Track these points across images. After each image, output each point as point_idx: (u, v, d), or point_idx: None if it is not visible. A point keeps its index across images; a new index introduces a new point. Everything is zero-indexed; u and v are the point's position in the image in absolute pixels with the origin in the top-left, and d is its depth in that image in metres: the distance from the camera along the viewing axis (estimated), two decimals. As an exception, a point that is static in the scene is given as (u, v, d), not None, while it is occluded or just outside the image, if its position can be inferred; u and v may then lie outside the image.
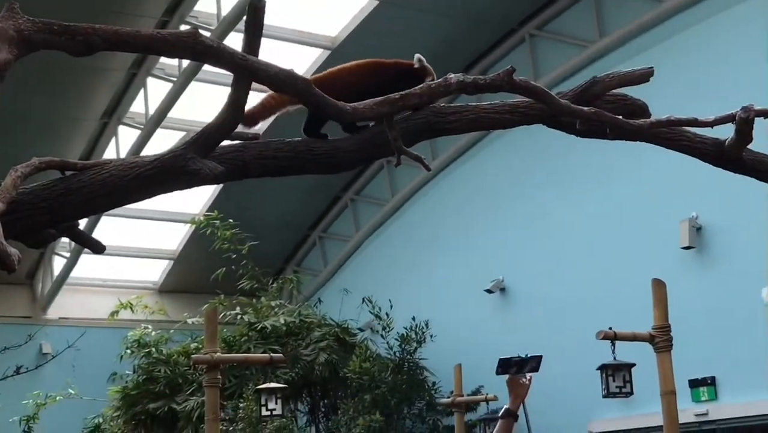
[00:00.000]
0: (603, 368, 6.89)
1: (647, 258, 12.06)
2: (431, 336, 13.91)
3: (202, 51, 2.99)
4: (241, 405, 12.30)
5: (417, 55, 4.90)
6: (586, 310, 12.22)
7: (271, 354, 8.34)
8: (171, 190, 4.02)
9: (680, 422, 11.28)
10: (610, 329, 6.73)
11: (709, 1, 12.46)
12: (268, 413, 7.80)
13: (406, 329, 13.96)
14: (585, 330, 8.22)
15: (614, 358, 6.80)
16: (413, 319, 13.99)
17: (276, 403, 7.71)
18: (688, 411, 11.48)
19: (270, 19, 13.68)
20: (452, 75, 3.85)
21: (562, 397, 12.34)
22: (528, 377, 5.13)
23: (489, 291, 14.61)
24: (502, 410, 5.07)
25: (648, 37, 13.09)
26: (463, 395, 10.24)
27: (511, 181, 14.63)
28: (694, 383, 11.64)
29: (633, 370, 6.96)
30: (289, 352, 13.32)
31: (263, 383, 8.73)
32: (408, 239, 16.63)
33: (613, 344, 6.72)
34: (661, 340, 6.44)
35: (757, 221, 10.67)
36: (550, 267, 13.79)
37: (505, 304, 14.62)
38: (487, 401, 10.45)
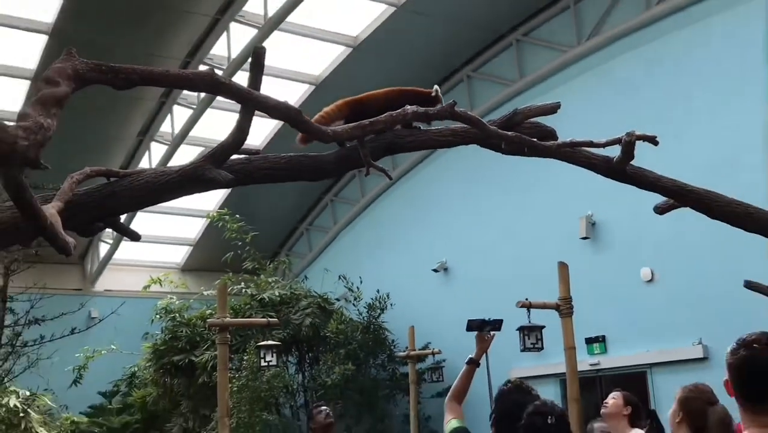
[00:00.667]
0: (521, 329, 6.95)
1: (555, 245, 12.11)
2: (391, 305, 13.95)
3: (216, 87, 2.98)
4: (245, 358, 12.25)
5: (435, 87, 4.82)
6: (509, 285, 12.24)
7: (269, 319, 8.32)
8: (192, 193, 3.99)
9: (579, 370, 11.48)
10: (527, 299, 6.78)
11: (601, 52, 12.56)
12: (266, 364, 7.81)
13: (372, 299, 13.99)
14: (508, 300, 8.29)
15: (529, 321, 6.86)
16: (378, 291, 14.02)
17: (272, 356, 7.71)
18: (584, 362, 11.51)
19: (267, 59, 13.67)
20: (409, 107, 3.85)
21: (490, 350, 12.37)
22: (491, 334, 5.17)
23: (435, 270, 14.65)
24: (468, 358, 4.95)
25: (558, 77, 13.16)
26: (415, 350, 10.29)
27: (455, 186, 14.67)
28: (589, 341, 11.71)
29: (543, 331, 7.01)
30: (281, 317, 13.31)
31: (262, 341, 8.73)
32: (374, 230, 16.64)
33: (529, 311, 6.77)
34: (564, 308, 6.50)
35: (637, 218, 10.73)
36: (483, 252, 13.84)
37: (448, 280, 14.66)
38: (433, 354, 10.53)
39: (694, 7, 11.27)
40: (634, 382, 11.36)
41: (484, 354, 5.10)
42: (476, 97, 14.58)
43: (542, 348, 6.97)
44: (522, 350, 7.17)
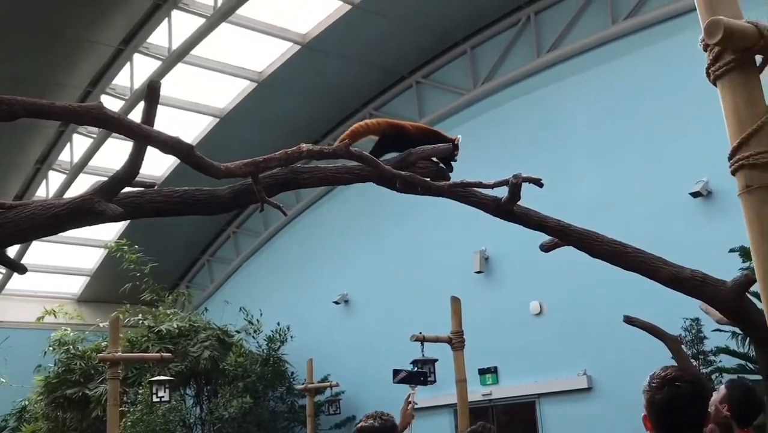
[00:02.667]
0: (415, 362, 6.95)
1: (451, 279, 12.27)
2: (291, 337, 13.75)
3: (105, 120, 2.88)
4: (140, 391, 11.79)
5: (459, 136, 5.17)
6: (408, 317, 12.33)
7: (162, 353, 8.05)
8: (80, 226, 3.85)
9: (472, 400, 11.54)
10: (420, 333, 6.80)
11: (495, 96, 12.93)
12: (158, 399, 7.50)
13: (272, 331, 13.75)
14: (407, 333, 8.31)
15: (423, 354, 6.87)
16: (278, 324, 13.80)
17: (164, 391, 7.42)
18: (477, 392, 11.70)
19: (171, 91, 13.35)
20: (304, 145, 3.83)
21: (389, 381, 12.35)
22: (411, 404, 5.07)
23: (336, 303, 14.57)
24: None
25: (455, 118, 13.44)
26: (313, 383, 10.15)
27: (356, 220, 14.69)
28: (482, 371, 11.85)
29: (436, 363, 7.04)
30: (180, 349, 12.95)
31: (158, 375, 8.42)
32: (276, 263, 16.45)
33: (422, 345, 6.79)
34: (456, 341, 6.55)
35: (528, 253, 10.91)
36: (383, 285, 13.88)
37: (348, 312, 14.60)
38: (330, 387, 10.38)
39: (578, 57, 11.78)
40: (523, 412, 11.58)
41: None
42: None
43: (435, 381, 6.98)
44: (416, 384, 7.14)
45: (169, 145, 3.13)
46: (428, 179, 4.92)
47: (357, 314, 14.37)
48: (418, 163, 5.18)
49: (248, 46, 13.22)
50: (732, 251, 7.35)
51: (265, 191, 4.82)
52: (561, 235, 5.78)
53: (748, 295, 5.75)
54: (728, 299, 5.66)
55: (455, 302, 6.65)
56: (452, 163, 5.33)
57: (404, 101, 14.32)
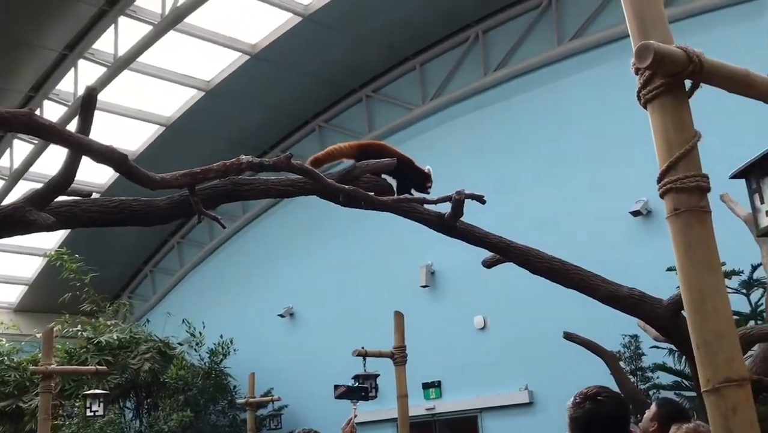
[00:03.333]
0: (356, 377, 6.89)
1: (397, 293, 12.29)
2: (234, 350, 13.53)
3: (35, 128, 2.78)
4: (77, 404, 11.46)
5: (428, 167, 5.38)
6: (352, 331, 12.27)
7: (97, 366, 7.82)
8: (11, 236, 3.73)
9: (415, 414, 11.60)
10: (363, 348, 6.75)
11: (443, 112, 13.02)
12: (92, 414, 7.26)
13: (215, 344, 13.51)
14: (350, 346, 8.24)
15: (365, 369, 6.81)
16: (221, 336, 13.57)
17: (98, 405, 7.18)
18: (421, 406, 11.72)
19: (116, 98, 13.08)
20: (244, 157, 3.77)
21: (332, 395, 12.22)
22: (352, 422, 5.02)
23: (281, 316, 14.43)
24: None
25: (405, 133, 13.48)
26: (255, 397, 9.98)
27: (302, 232, 14.59)
28: (426, 385, 11.86)
29: (379, 379, 6.99)
30: (119, 361, 12.66)
31: (96, 388, 8.20)
32: (221, 274, 16.22)
33: (365, 360, 6.74)
34: (398, 356, 6.53)
35: (472, 268, 10.99)
36: (329, 298, 13.79)
37: (293, 325, 14.48)
38: (272, 401, 10.24)
39: (525, 76, 11.96)
40: (465, 426, 11.61)
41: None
42: (327, 147, 14.62)
43: (376, 396, 6.93)
44: (358, 399, 7.08)
45: (102, 154, 3.04)
46: (372, 194, 4.92)
47: (302, 328, 14.26)
48: (362, 177, 5.18)
49: (196, 55, 13.06)
50: (670, 269, 7.50)
51: (205, 203, 4.74)
52: (503, 251, 5.83)
53: (684, 313, 5.86)
54: (664, 317, 5.78)
55: (398, 316, 6.63)
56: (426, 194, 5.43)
57: (354, 115, 14.32)
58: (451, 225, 5.49)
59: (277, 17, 12.33)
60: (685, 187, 1.93)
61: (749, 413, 1.78)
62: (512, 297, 10.95)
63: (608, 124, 10.68)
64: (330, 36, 12.47)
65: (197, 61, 13.30)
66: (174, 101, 14.18)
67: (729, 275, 7.43)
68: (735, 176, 2.19)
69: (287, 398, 13.18)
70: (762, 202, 2.10)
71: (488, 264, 6.29)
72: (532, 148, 11.59)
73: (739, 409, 1.78)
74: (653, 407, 4.09)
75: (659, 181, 1.99)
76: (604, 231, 10.32)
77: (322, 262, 14.11)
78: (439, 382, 11.88)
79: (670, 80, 1.99)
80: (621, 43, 10.69)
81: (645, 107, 2.07)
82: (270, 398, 10.47)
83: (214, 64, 13.46)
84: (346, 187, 4.54)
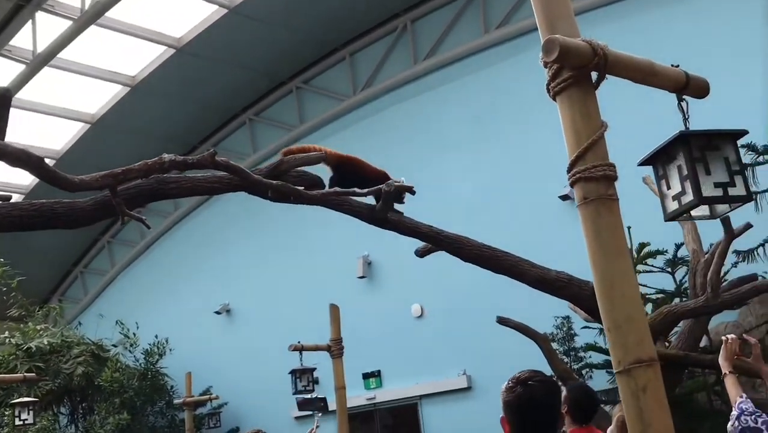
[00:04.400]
0: (293, 372, 6.89)
1: (335, 285, 12.28)
2: (170, 350, 13.33)
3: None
4: (6, 413, 11.10)
5: (403, 178, 5.44)
6: (290, 325, 12.21)
7: (25, 374, 7.58)
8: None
9: (356, 404, 11.65)
10: (299, 342, 6.75)
11: (374, 102, 13.04)
12: (21, 423, 7.05)
13: (149, 344, 13.28)
14: (289, 341, 8.20)
15: (301, 364, 6.82)
16: (156, 337, 13.35)
17: (28, 414, 6.99)
18: (361, 396, 11.78)
19: (37, 96, 12.68)
20: (166, 155, 3.71)
21: (272, 390, 12.18)
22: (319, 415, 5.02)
23: (218, 312, 14.27)
24: None
25: (336, 124, 13.47)
26: (192, 396, 9.87)
27: (236, 227, 14.41)
28: (366, 375, 11.93)
29: (318, 371, 7.00)
30: (51, 367, 12.33)
31: (26, 395, 7.97)
32: (154, 273, 15.93)
33: (301, 354, 6.74)
34: (335, 349, 6.55)
35: (409, 257, 11.08)
36: (265, 293, 13.70)
37: (230, 322, 14.34)
38: (210, 400, 10.14)
39: (454, 65, 12.07)
40: (406, 413, 11.72)
41: None
42: (259, 140, 14.55)
43: (313, 390, 6.94)
44: (294, 393, 7.10)
45: (17, 158, 2.97)
46: (301, 188, 4.91)
47: (239, 324, 14.14)
48: (291, 172, 5.16)
49: (120, 50, 12.74)
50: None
51: (130, 203, 4.68)
52: (434, 240, 5.91)
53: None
54: (591, 299, 5.97)
55: (334, 309, 6.65)
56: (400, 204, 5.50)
57: (285, 106, 14.22)
58: (381, 217, 5.54)
59: (202, 10, 12.12)
60: (593, 177, 2.00)
61: (659, 392, 1.87)
62: (448, 285, 11.07)
63: (535, 110, 10.86)
64: (257, 28, 12.33)
65: (121, 56, 12.98)
66: (99, 98, 13.82)
67: (653, 254, 7.70)
68: (643, 163, 2.27)
69: (227, 395, 13.08)
70: (668, 188, 2.19)
71: (421, 253, 6.37)
72: (463, 136, 11.72)
73: (649, 388, 1.86)
74: (564, 392, 4.24)
75: (569, 171, 2.06)
76: (534, 216, 10.52)
77: (257, 256, 14.01)
78: (379, 371, 11.96)
79: (576, 73, 2.06)
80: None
81: (554, 99, 2.13)
82: (208, 397, 10.36)
83: (139, 59, 13.16)
84: (274, 182, 4.52)
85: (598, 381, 8.67)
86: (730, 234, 5.79)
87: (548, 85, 2.12)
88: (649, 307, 7.49)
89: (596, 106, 2.08)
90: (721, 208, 2.23)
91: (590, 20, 9.76)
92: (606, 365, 8.02)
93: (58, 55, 11.98)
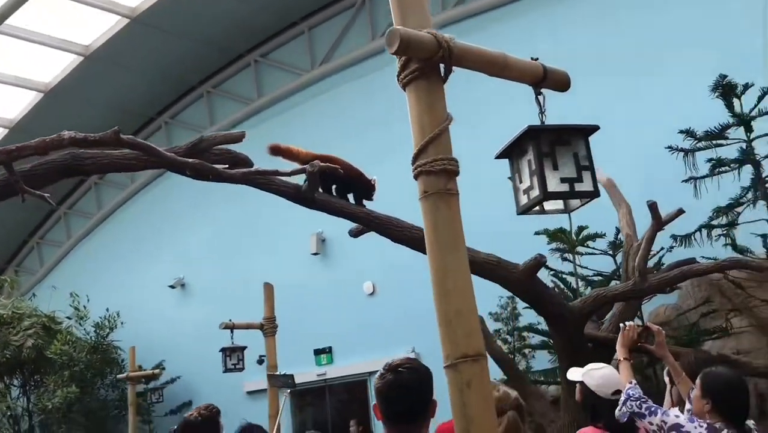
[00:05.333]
0: (223, 350, 6.89)
1: (289, 261, 12.29)
2: (122, 323, 13.25)
3: None
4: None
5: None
6: (243, 300, 12.14)
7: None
8: None
9: (308, 380, 11.69)
10: (230, 320, 6.73)
11: (332, 78, 12.95)
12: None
13: (101, 318, 13.20)
14: (242, 316, 8.10)
15: (232, 342, 6.81)
16: (107, 310, 13.26)
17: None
18: (312, 372, 11.83)
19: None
20: (66, 132, 3.65)
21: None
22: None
23: (172, 287, 14.20)
24: None
25: (295, 98, 13.37)
26: (136, 371, 9.84)
27: (191, 201, 14.22)
28: (317, 352, 11.96)
29: (245, 351, 6.98)
30: (1, 338, 12.22)
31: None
32: (111, 245, 15.76)
33: (232, 332, 6.73)
34: (268, 327, 6.55)
35: (362, 237, 11.13)
36: (219, 268, 13.60)
37: (185, 296, 14.27)
38: (153, 375, 10.12)
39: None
40: (356, 390, 11.80)
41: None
42: (217, 113, 14.41)
43: (243, 368, 6.94)
44: (224, 371, 7.09)
45: None
46: (227, 166, 4.87)
47: (194, 299, 14.07)
48: (213, 150, 5.11)
49: (73, 18, 12.50)
50: (537, 233, 7.78)
51: (42, 179, 4.63)
52: (363, 221, 5.92)
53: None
54: (519, 281, 6.02)
55: (267, 288, 6.65)
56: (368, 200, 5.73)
57: (242, 80, 14.08)
58: (309, 197, 5.53)
59: (157, -21, 11.92)
60: (433, 170, 2.00)
61: (483, 388, 1.88)
62: (400, 263, 11.01)
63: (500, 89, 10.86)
64: (214, -1, 12.17)
65: (75, 25, 12.74)
66: (53, 67, 13.58)
67: (593, 237, 7.77)
68: (498, 156, 2.27)
69: (180, 370, 13.08)
70: (520, 181, 2.19)
71: (354, 234, 6.39)
72: (404, 111, 11.67)
73: (474, 383, 1.87)
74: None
75: (412, 163, 2.05)
76: (475, 196, 10.53)
77: (212, 231, 13.92)
78: (330, 348, 12.00)
79: (423, 65, 2.04)
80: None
81: (405, 90, 2.12)
82: (151, 371, 10.34)
83: (94, 28, 12.93)
84: (190, 160, 4.45)
85: (541, 361, 8.79)
86: (657, 221, 5.85)
87: (398, 76, 2.11)
88: (588, 290, 7.60)
89: (443, 100, 2.07)
90: (574, 202, 2.24)
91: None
92: (544, 346, 8.12)
93: (7, 22, 11.74)
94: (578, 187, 2.09)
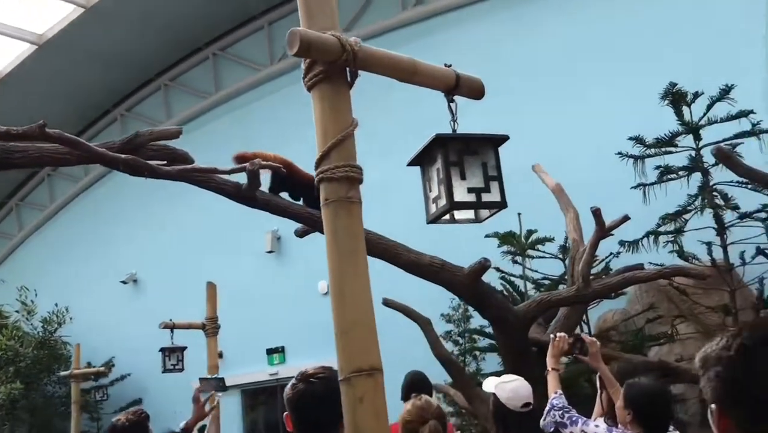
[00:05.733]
0: (162, 350, 6.78)
1: (243, 259, 12.18)
2: (70, 318, 13.00)
3: None
4: None
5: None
6: (195, 299, 11.96)
7: None
8: None
9: (259, 379, 11.57)
10: (170, 320, 6.62)
11: (291, 74, 12.83)
12: None
13: (49, 312, 12.94)
14: (194, 314, 7.96)
15: (172, 342, 6.70)
16: (56, 305, 13.00)
17: None
18: (264, 372, 11.73)
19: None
20: (-8, 127, 3.54)
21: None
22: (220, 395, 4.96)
23: (124, 282, 13.98)
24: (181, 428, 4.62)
25: (252, 93, 13.23)
26: (80, 368, 9.65)
27: (145, 196, 13.92)
28: (270, 351, 11.87)
29: (185, 351, 6.88)
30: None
31: None
32: (63, 238, 15.48)
33: (172, 332, 6.62)
34: (210, 327, 6.45)
35: (317, 235, 11.04)
36: (172, 265, 13.41)
37: (137, 292, 14.05)
38: (98, 373, 9.94)
39: (375, 39, 11.92)
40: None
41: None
42: (173, 106, 14.20)
43: (183, 369, 6.83)
44: (163, 372, 6.97)
45: None
46: (161, 163, 4.76)
47: (146, 295, 13.85)
48: (150, 146, 5.00)
49: (26, 6, 12.23)
50: (487, 236, 7.77)
51: (-33, 172, 4.48)
52: (307, 221, 5.83)
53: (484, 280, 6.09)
54: (464, 284, 6.00)
55: (210, 287, 6.54)
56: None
57: (201, 73, 13.91)
58: (249, 195, 5.43)
59: (112, -32, 11.70)
60: (334, 177, 1.94)
61: (376, 403, 1.83)
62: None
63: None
64: (172, -9, 11.99)
65: (28, 13, 12.46)
66: (3, 56, 13.27)
67: (541, 241, 7.80)
68: (410, 164, 2.23)
69: (130, 367, 12.87)
70: (430, 190, 2.15)
71: (300, 234, 6.30)
72: (380, 105, 11.62)
73: (366, 399, 1.82)
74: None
75: (315, 169, 2.00)
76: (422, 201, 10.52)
77: (166, 227, 13.72)
78: (283, 347, 11.90)
79: (327, 68, 1.99)
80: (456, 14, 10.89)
81: (310, 93, 2.06)
82: (95, 369, 10.15)
83: (47, 17, 12.65)
84: (123, 156, 4.37)
85: (491, 364, 8.79)
86: (601, 227, 5.85)
87: (303, 78, 2.05)
88: (536, 293, 7.61)
89: (348, 104, 2.01)
90: (484, 212, 2.20)
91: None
92: (492, 349, 8.12)
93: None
94: (486, 197, 2.05)
